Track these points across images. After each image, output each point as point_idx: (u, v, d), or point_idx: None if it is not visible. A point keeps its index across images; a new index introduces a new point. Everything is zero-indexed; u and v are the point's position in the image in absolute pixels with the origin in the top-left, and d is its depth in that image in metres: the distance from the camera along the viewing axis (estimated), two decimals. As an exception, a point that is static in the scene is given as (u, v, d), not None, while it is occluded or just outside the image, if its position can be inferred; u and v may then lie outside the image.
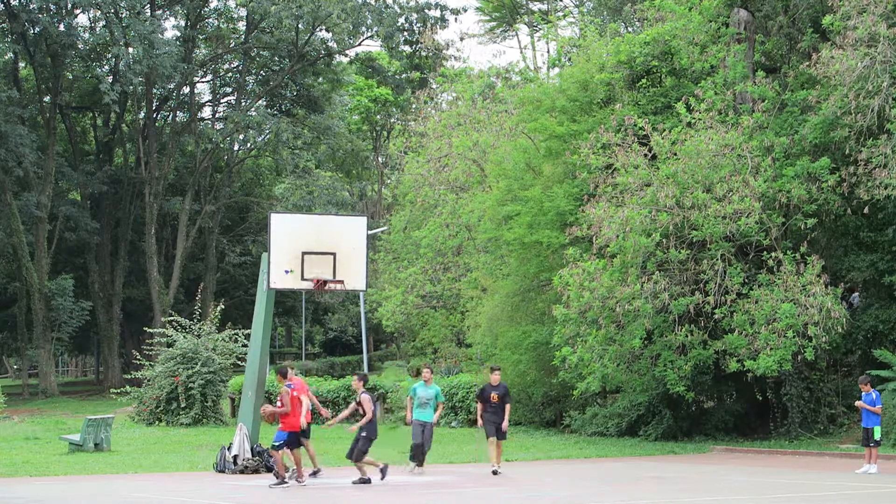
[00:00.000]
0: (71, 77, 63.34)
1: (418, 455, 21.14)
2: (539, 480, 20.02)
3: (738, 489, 18.33)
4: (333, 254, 21.46)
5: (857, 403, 21.90)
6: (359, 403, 19.48)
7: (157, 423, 36.34)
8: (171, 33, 63.44)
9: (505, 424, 21.03)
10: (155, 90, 61.91)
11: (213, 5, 64.32)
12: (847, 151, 25.81)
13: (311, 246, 21.40)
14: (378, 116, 69.90)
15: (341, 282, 21.62)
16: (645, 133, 27.24)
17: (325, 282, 21.47)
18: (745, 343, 24.78)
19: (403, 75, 68.64)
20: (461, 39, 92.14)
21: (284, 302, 66.73)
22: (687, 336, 25.74)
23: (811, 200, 26.00)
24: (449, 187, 43.41)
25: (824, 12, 26.92)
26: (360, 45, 63.94)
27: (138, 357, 39.65)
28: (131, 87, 56.26)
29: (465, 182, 42.38)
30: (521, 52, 63.62)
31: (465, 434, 31.88)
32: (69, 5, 56.85)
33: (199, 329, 37.61)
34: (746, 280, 25.92)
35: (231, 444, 21.55)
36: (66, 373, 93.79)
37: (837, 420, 27.97)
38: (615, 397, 31.83)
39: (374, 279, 49.21)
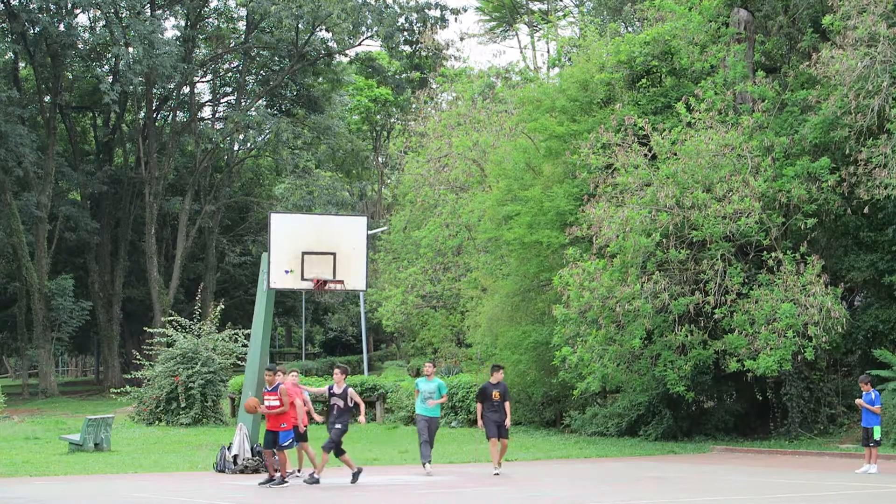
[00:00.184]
0: (71, 77, 63.35)
1: (426, 452, 20.88)
2: (539, 480, 20.02)
3: (738, 489, 18.33)
4: (333, 254, 21.46)
5: (857, 402, 21.90)
6: (334, 394, 19.33)
7: (157, 423, 36.36)
8: (171, 33, 63.52)
9: (508, 421, 21.01)
10: (155, 90, 61.91)
11: (213, 5, 64.36)
12: (847, 151, 25.81)
13: (311, 246, 21.40)
14: (378, 116, 69.90)
15: (341, 282, 21.62)
16: (645, 133, 27.24)
17: (325, 282, 21.48)
18: (745, 343, 24.78)
19: (403, 75, 68.64)
20: (461, 39, 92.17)
21: (284, 302, 66.74)
22: (687, 336, 25.74)
23: (811, 200, 26.00)
24: (449, 187, 43.41)
25: (824, 12, 26.92)
26: (360, 45, 64.03)
27: (138, 357, 39.68)
28: (131, 87, 56.26)
29: (465, 182, 42.38)
30: (521, 52, 63.67)
31: (466, 434, 31.89)
32: (69, 5, 56.86)
33: (199, 329, 37.63)
34: (746, 280, 25.93)
35: (231, 444, 21.56)
36: (66, 373, 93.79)
37: (837, 420, 27.97)
38: (615, 397, 31.83)
39: (374, 279, 49.22)
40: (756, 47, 29.46)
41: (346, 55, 66.13)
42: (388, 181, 69.58)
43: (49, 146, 58.24)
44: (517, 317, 32.58)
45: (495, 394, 20.87)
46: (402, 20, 62.71)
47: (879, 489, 18.14)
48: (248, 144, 67.91)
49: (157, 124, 64.79)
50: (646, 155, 26.92)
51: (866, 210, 25.77)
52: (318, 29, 60.33)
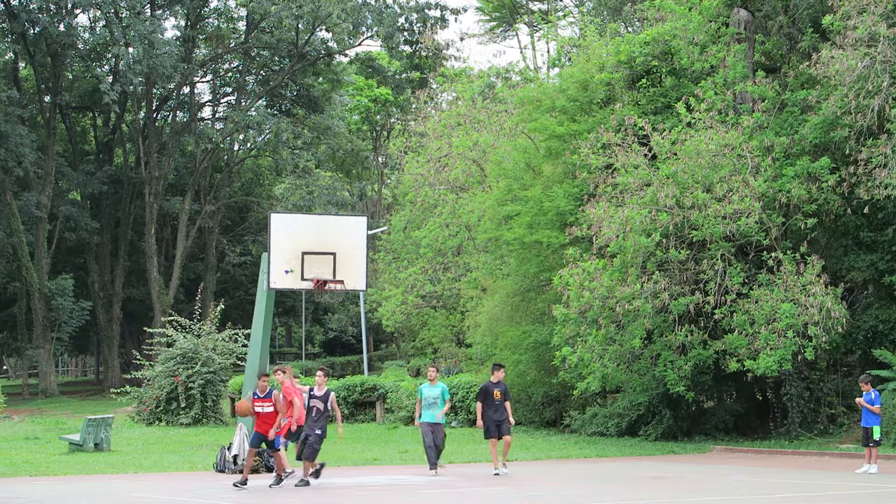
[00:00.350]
0: (71, 77, 63.37)
1: (433, 458, 20.70)
2: (539, 480, 20.02)
3: (738, 489, 18.33)
4: (333, 254, 21.45)
5: (858, 400, 21.90)
6: (314, 396, 19.10)
7: (157, 423, 36.36)
8: (171, 33, 63.54)
9: (511, 419, 20.94)
10: (155, 90, 61.92)
11: (213, 5, 64.40)
12: (847, 151, 25.81)
13: (311, 246, 21.40)
14: (378, 116, 69.92)
15: (341, 282, 21.61)
16: (645, 133, 27.24)
17: (325, 282, 21.47)
18: (745, 343, 24.78)
19: (403, 75, 68.66)
20: (461, 39, 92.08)
21: (284, 302, 66.75)
22: (687, 336, 25.74)
23: (811, 200, 26.00)
24: (449, 187, 43.41)
25: (824, 12, 26.91)
26: (360, 45, 64.06)
27: (138, 357, 39.69)
28: (131, 87, 56.29)
29: (465, 182, 42.39)
30: (521, 52, 63.64)
31: (465, 434, 31.89)
32: (69, 5, 56.88)
33: (199, 329, 37.63)
34: (746, 280, 25.92)
35: (231, 444, 21.55)
36: (66, 373, 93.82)
37: (837, 420, 27.97)
38: (615, 397, 31.82)
39: (374, 279, 49.23)
40: (756, 47, 29.45)
41: (346, 55, 66.18)
42: (388, 181, 69.58)
43: (49, 146, 58.25)
44: (517, 317, 32.58)
45: (496, 393, 20.78)
46: (402, 20, 62.74)
47: (879, 489, 18.14)
48: (248, 144, 67.92)
49: (157, 124, 64.81)
50: (646, 155, 26.92)
51: (866, 210, 25.76)
52: (318, 29, 60.34)
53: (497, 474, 20.48)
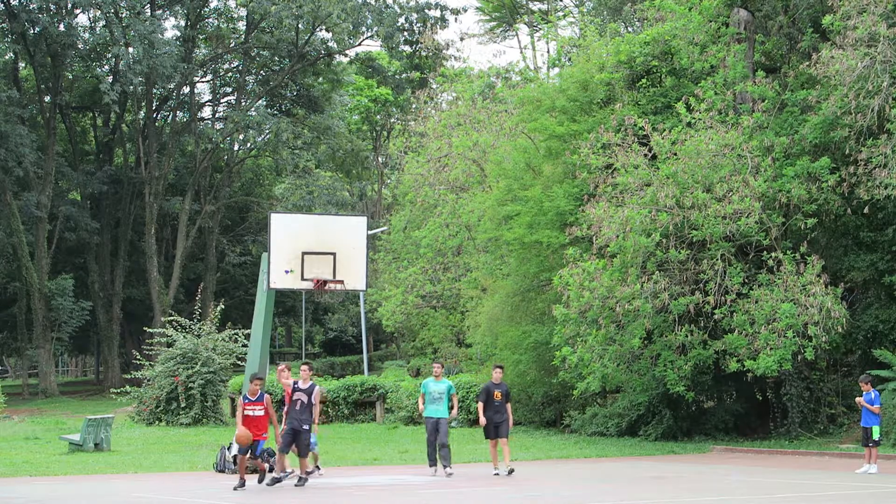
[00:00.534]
0: (71, 77, 63.36)
1: (433, 453, 20.64)
2: (539, 480, 20.02)
3: (738, 489, 18.33)
4: (333, 254, 21.46)
5: (858, 400, 21.91)
6: (298, 389, 18.83)
7: (157, 423, 36.36)
8: (171, 33, 63.54)
9: (511, 421, 20.87)
10: (155, 90, 61.92)
11: (213, 5, 64.39)
12: (847, 151, 25.81)
13: (311, 246, 21.40)
14: (378, 116, 69.91)
15: (341, 282, 21.61)
16: (645, 133, 27.25)
17: (325, 282, 21.47)
18: (745, 343, 24.78)
19: (403, 75, 68.66)
20: (461, 39, 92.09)
21: (284, 302, 66.76)
22: (687, 336, 25.74)
23: (811, 200, 26.00)
24: (449, 187, 43.41)
25: (824, 12, 26.92)
26: (360, 45, 64.05)
27: (138, 357, 39.68)
28: (131, 87, 56.29)
29: (465, 182, 42.39)
30: (521, 52, 63.64)
31: (466, 434, 31.88)
32: (69, 5, 56.88)
33: (199, 329, 37.63)
34: (746, 280, 25.92)
35: (231, 444, 21.53)
36: (66, 373, 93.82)
37: (837, 420, 27.97)
38: (615, 397, 31.82)
39: (374, 279, 49.23)
40: (756, 47, 29.45)
41: (346, 55, 66.17)
42: (388, 181, 69.59)
43: (49, 146, 58.25)
44: (517, 317, 32.58)
45: (497, 393, 20.74)
46: (402, 20, 62.74)
47: (879, 489, 18.14)
48: (248, 144, 67.92)
49: (157, 124, 64.81)
50: (646, 155, 26.92)
51: (866, 210, 25.76)
52: (318, 29, 60.34)
53: (497, 474, 20.47)
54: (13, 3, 56.26)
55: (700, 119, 26.85)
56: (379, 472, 21.78)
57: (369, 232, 29.58)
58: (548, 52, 56.09)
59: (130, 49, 55.30)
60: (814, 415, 27.69)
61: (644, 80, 31.39)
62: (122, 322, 65.30)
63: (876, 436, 21.48)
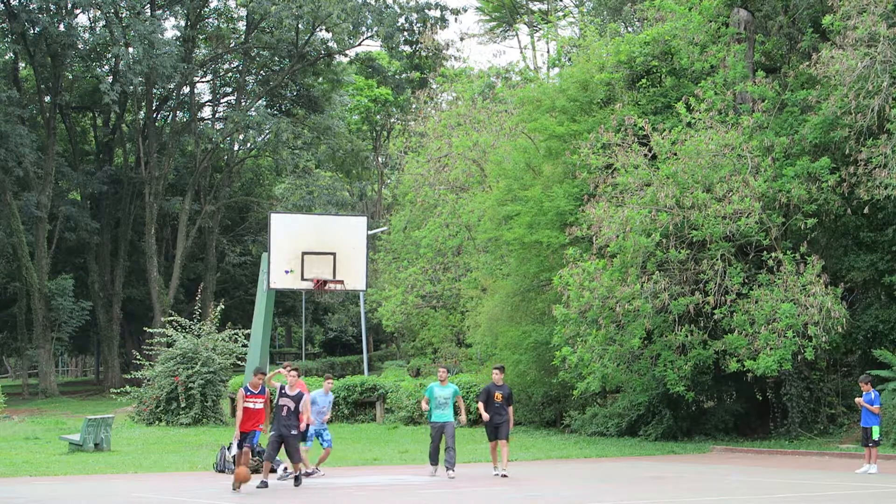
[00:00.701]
0: (71, 77, 63.35)
1: (435, 453, 20.52)
2: (539, 480, 20.02)
3: (738, 489, 18.33)
4: (333, 254, 21.46)
5: (857, 400, 21.91)
6: (285, 395, 18.53)
7: (157, 423, 36.35)
8: (171, 33, 63.54)
9: (511, 423, 20.74)
10: (155, 90, 61.93)
11: (213, 5, 64.38)
12: (847, 151, 25.81)
13: (311, 246, 21.41)
14: (378, 116, 69.91)
15: (341, 282, 21.62)
16: (645, 133, 27.25)
17: (325, 282, 21.48)
18: (745, 343, 24.78)
19: (403, 75, 68.65)
20: (461, 39, 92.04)
21: (284, 302, 66.76)
22: (687, 336, 25.74)
23: (811, 200, 26.00)
24: (449, 187, 43.42)
25: (824, 12, 26.92)
26: (360, 45, 64.05)
27: (138, 357, 39.68)
28: (131, 87, 56.28)
29: (465, 182, 42.40)
30: (521, 52, 63.63)
31: (465, 434, 31.88)
32: (69, 5, 56.87)
33: (199, 329, 37.62)
34: (746, 280, 25.92)
35: (231, 444, 21.50)
36: (66, 373, 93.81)
37: (837, 420, 27.97)
38: (615, 397, 31.83)
39: (374, 279, 49.22)
40: (756, 47, 29.45)
41: (346, 55, 66.17)
42: (388, 181, 69.59)
43: (49, 146, 58.25)
44: (517, 317, 32.58)
45: (497, 395, 20.62)
46: (402, 20, 62.74)
47: (879, 489, 18.14)
48: (248, 144, 67.92)
49: (157, 124, 64.80)
50: (646, 155, 26.92)
51: (866, 210, 25.76)
52: (318, 29, 60.34)
53: (497, 475, 20.46)
54: (13, 3, 56.25)
55: (700, 119, 26.85)
56: (379, 472, 21.78)
57: (369, 232, 29.58)
58: (548, 52, 56.13)
59: (130, 49, 55.30)
60: (814, 415, 27.69)
61: (644, 80, 31.40)
62: (122, 322, 65.30)
63: (876, 436, 21.47)
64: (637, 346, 25.86)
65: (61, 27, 56.66)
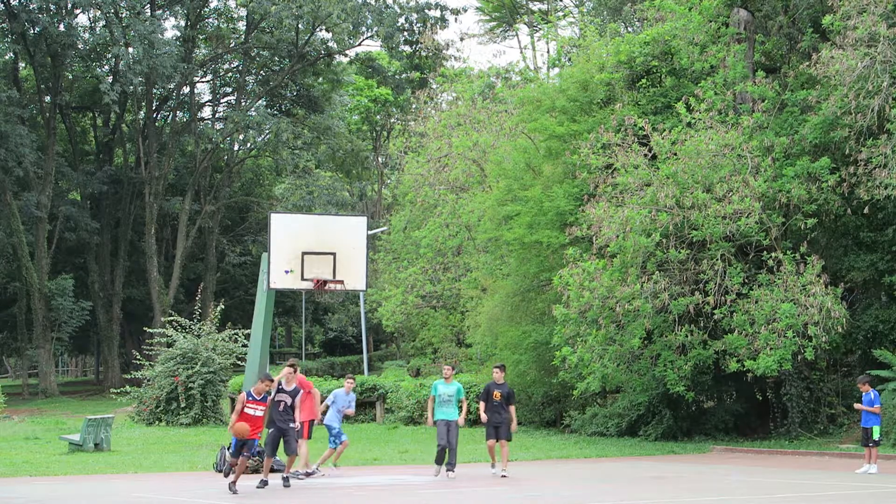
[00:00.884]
0: (71, 77, 63.37)
1: (442, 456, 20.32)
2: (539, 480, 20.01)
3: (738, 489, 18.33)
4: (333, 254, 21.44)
5: (857, 406, 21.92)
6: (282, 391, 18.42)
7: (157, 423, 36.35)
8: (171, 33, 63.56)
9: (514, 426, 20.62)
10: (155, 90, 61.93)
11: (213, 5, 64.40)
12: (847, 151, 25.81)
13: (311, 246, 21.39)
14: (378, 116, 69.92)
15: (341, 282, 21.59)
16: (645, 133, 27.25)
17: (325, 282, 21.46)
18: (745, 343, 24.78)
19: (403, 75, 68.67)
20: (461, 39, 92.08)
21: (284, 302, 66.75)
22: (687, 336, 25.74)
23: (811, 200, 26.00)
24: (449, 187, 43.42)
25: (824, 12, 26.92)
26: (360, 45, 64.06)
27: (138, 357, 39.68)
28: (131, 87, 56.29)
29: (465, 182, 42.40)
30: (521, 52, 63.65)
31: (465, 434, 31.86)
32: (69, 5, 56.87)
33: (199, 329, 37.62)
34: (746, 280, 25.92)
35: (231, 444, 21.51)
36: (66, 373, 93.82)
37: (837, 420, 27.97)
38: (615, 397, 31.83)
39: (374, 279, 49.23)
40: (756, 47, 29.46)
41: (346, 55, 66.18)
42: (388, 181, 69.60)
43: (49, 146, 58.25)
44: (517, 317, 32.58)
45: (496, 394, 20.57)
46: (402, 20, 62.75)
47: (879, 489, 18.14)
48: (248, 144, 67.94)
49: (157, 124, 64.81)
50: (646, 155, 26.93)
51: (866, 210, 25.76)
52: (318, 29, 60.35)
53: (495, 473, 20.35)
54: (13, 3, 56.26)
55: (700, 119, 26.85)
56: (379, 472, 21.77)
57: (369, 232, 29.57)
58: (548, 52, 56.12)
59: (130, 49, 55.31)
60: (814, 415, 27.69)
61: (644, 80, 31.40)
62: (122, 322, 65.30)
63: (876, 436, 21.46)
64: (637, 346, 25.86)
65: (61, 27, 56.66)
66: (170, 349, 37.28)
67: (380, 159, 72.38)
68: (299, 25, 59.45)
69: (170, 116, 66.95)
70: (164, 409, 36.55)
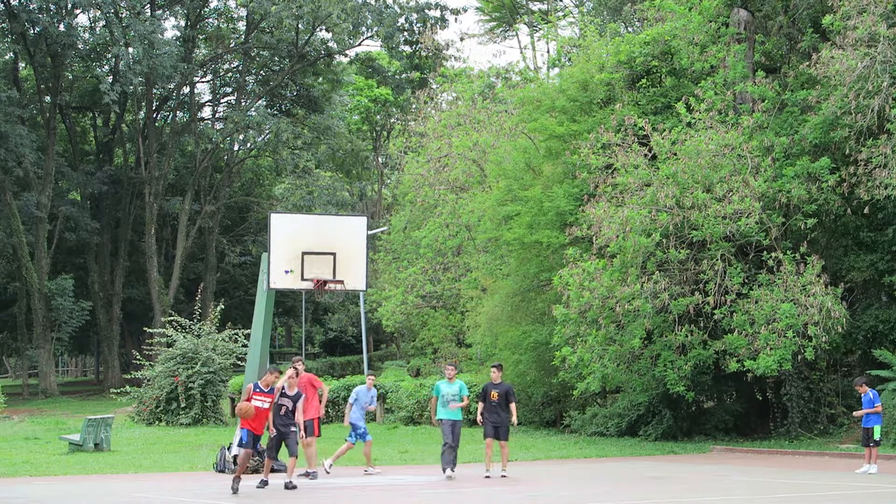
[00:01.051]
0: (71, 77, 63.37)
1: (449, 456, 20.15)
2: (539, 480, 20.01)
3: (738, 489, 18.33)
4: (333, 254, 21.45)
5: (856, 413, 21.95)
6: (285, 395, 18.44)
7: (156, 423, 36.35)
8: (171, 33, 63.57)
9: (514, 420, 20.46)
10: (155, 90, 61.93)
11: (213, 5, 64.40)
12: (847, 151, 25.81)
13: (311, 246, 21.39)
14: (378, 116, 69.91)
15: (341, 282, 21.60)
16: (645, 133, 27.25)
17: (325, 282, 21.46)
18: (745, 343, 24.78)
19: (403, 75, 68.65)
20: (461, 39, 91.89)
21: (284, 302, 66.75)
22: (687, 336, 25.74)
23: (811, 200, 26.00)
24: (449, 187, 43.41)
25: (824, 12, 26.92)
26: (360, 45, 64.07)
27: (138, 357, 39.68)
28: (131, 87, 56.31)
29: (465, 182, 42.39)
30: (521, 52, 63.60)
31: (465, 434, 31.83)
32: (69, 5, 56.87)
33: (199, 329, 37.63)
34: (746, 280, 25.92)
35: (231, 444, 21.53)
36: (66, 373, 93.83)
37: (837, 420, 27.98)
38: (615, 397, 31.83)
39: (374, 279, 49.22)
40: (756, 47, 29.45)
41: (346, 55, 66.17)
42: (388, 181, 69.59)
43: (49, 146, 58.26)
44: (517, 317, 32.58)
45: (493, 394, 20.50)
46: (402, 20, 62.75)
47: (879, 489, 18.14)
48: (248, 144, 67.94)
49: (157, 124, 64.81)
50: (646, 155, 26.92)
51: (866, 210, 25.77)
52: (318, 29, 60.35)
53: (488, 476, 20.09)
54: (13, 3, 56.26)
55: (700, 119, 26.85)
56: (379, 473, 21.76)
57: (369, 232, 29.57)
58: (548, 52, 56.08)
59: (130, 49, 55.31)
60: (814, 415, 27.70)
61: (644, 80, 31.40)
62: (122, 322, 65.30)
63: (877, 436, 21.46)
64: (637, 346, 25.86)
65: (61, 27, 56.67)
66: (170, 349, 37.28)
67: (380, 159, 72.37)
68: (299, 25, 59.44)
69: (170, 116, 66.95)
70: (164, 410, 36.55)
